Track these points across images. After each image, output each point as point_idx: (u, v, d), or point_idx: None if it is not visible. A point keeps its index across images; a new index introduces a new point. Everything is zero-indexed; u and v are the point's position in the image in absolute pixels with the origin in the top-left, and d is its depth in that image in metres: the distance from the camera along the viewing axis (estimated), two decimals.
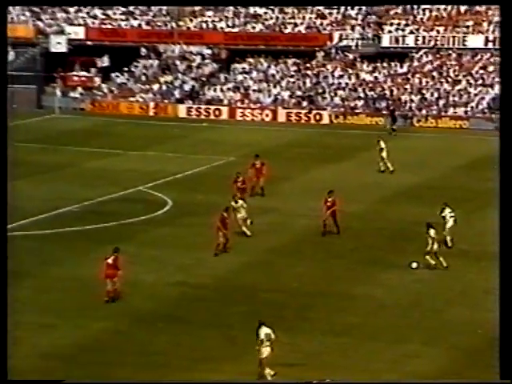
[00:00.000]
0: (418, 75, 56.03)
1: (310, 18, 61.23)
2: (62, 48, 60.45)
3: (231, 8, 62.61)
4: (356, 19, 60.77)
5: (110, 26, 62.75)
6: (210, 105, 56.61)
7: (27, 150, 43.42)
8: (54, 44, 60.58)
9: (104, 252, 25.98)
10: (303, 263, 26.55)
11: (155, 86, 58.55)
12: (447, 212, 27.80)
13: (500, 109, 18.14)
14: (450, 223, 27.66)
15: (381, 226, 30.56)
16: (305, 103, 56.23)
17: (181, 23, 62.45)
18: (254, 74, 58.82)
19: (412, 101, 54.58)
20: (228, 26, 61.90)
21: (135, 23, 62.91)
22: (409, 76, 56.32)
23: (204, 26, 62.25)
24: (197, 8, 63.23)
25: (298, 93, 56.99)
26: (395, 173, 38.58)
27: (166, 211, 32.10)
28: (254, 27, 61.49)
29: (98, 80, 59.21)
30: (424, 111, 53.68)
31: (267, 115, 55.48)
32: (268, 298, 23.50)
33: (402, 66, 57.00)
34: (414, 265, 25.63)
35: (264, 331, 18.79)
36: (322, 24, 60.88)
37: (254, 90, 57.58)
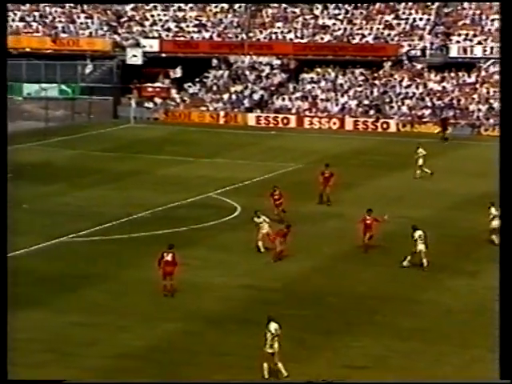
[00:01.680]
0: (485, 85, 55.17)
1: (378, 28, 60.92)
2: (138, 60, 61.43)
3: (300, 19, 62.70)
4: (424, 29, 60.20)
5: (183, 38, 63.48)
6: (279, 113, 56.77)
7: (104, 158, 44.26)
8: (130, 56, 61.61)
9: (177, 256, 26.26)
10: (370, 268, 26.31)
11: (225, 96, 58.97)
12: (493, 211, 27.60)
13: (500, 110, 17.71)
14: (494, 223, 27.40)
15: (448, 233, 30.09)
16: (372, 112, 55.91)
17: (251, 34, 62.79)
18: (322, 83, 58.74)
19: (479, 110, 53.74)
20: (297, 37, 61.98)
21: (207, 35, 63.50)
22: (476, 86, 55.52)
23: (273, 37, 62.46)
24: (266, 20, 63.50)
25: (366, 102, 56.70)
26: (463, 180, 38.00)
27: (235, 217, 32.22)
28: (322, 38, 61.43)
29: (173, 91, 59.92)
30: (491, 120, 52.78)
31: (334, 123, 55.35)
32: (335, 302, 23.36)
33: (469, 76, 56.20)
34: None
35: (274, 326, 18.76)
36: (389, 35, 60.50)
37: (321, 99, 57.50)
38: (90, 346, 20.40)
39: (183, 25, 64.42)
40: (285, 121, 56.12)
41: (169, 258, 23.33)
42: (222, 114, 57.52)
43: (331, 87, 58.33)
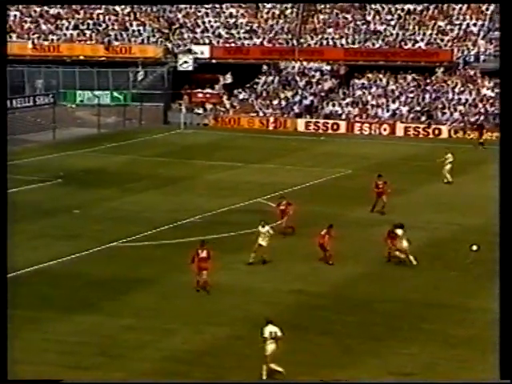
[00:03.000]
0: None
1: (431, 34, 60.54)
2: (189, 66, 62.06)
3: (351, 25, 62.65)
4: (478, 35, 59.64)
5: (233, 45, 63.93)
6: (329, 119, 56.75)
7: (154, 163, 44.79)
8: (181, 63, 62.27)
9: (227, 260, 26.61)
10: (419, 274, 26.21)
11: (275, 102, 59.18)
12: None
13: (500, 110, 17.63)
14: None
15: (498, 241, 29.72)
16: (423, 118, 55.55)
17: (301, 40, 62.95)
18: (373, 89, 58.57)
19: None
20: (348, 43, 61.94)
21: (257, 41, 63.84)
22: None
23: (324, 42, 62.52)
24: (317, 25, 63.58)
25: (417, 108, 56.36)
26: None
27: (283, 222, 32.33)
28: (373, 44, 61.28)
29: (224, 96, 60.34)
30: None
31: (385, 129, 55.12)
32: (383, 308, 23.34)
33: None
34: (475, 247, 26.71)
35: (269, 329, 18.99)
36: (442, 40, 60.07)
37: (372, 105, 57.33)
38: (139, 349, 20.73)
39: (234, 31, 64.88)
40: (334, 126, 56.07)
41: (204, 254, 24.14)
42: (271, 119, 57.72)
43: (382, 93, 58.10)
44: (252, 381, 18.97)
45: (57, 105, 56.73)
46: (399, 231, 26.78)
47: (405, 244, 26.72)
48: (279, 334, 19.07)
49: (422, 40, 60.40)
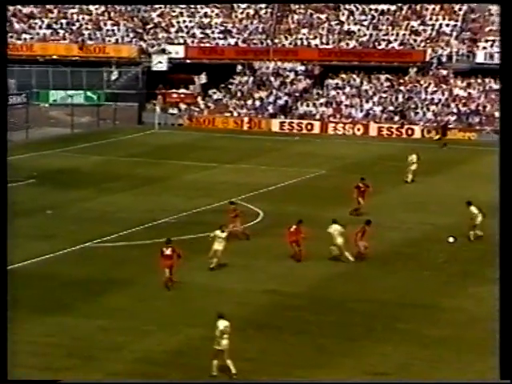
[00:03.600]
0: None
1: (404, 34, 60.82)
2: (163, 66, 61.83)
3: (325, 25, 62.78)
4: (450, 35, 60.02)
5: (208, 45, 63.79)
6: (303, 119, 56.82)
7: (128, 164, 44.57)
8: (156, 63, 62.03)
9: (201, 261, 26.53)
10: (393, 275, 26.29)
11: (250, 102, 59.14)
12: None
13: (500, 110, 17.91)
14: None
15: (473, 239, 29.96)
16: (397, 118, 55.78)
17: (276, 40, 62.95)
18: (347, 89, 58.72)
19: None
20: (322, 43, 62.04)
21: (232, 41, 63.76)
22: None
23: (299, 43, 62.57)
24: (292, 26, 63.63)
25: (390, 108, 56.59)
26: (488, 186, 37.76)
27: (258, 222, 32.33)
28: (347, 44, 61.43)
29: (198, 96, 60.20)
30: None
31: (359, 129, 55.29)
32: (358, 308, 23.37)
33: (495, 82, 55.88)
34: (451, 239, 27.98)
35: (223, 323, 19.11)
36: (415, 40, 60.36)
37: (346, 105, 57.47)
38: (114, 350, 20.59)
39: (208, 31, 64.75)
40: (309, 127, 56.14)
41: (168, 252, 24.50)
42: (246, 119, 57.67)
43: (356, 93, 58.27)
44: (255, 381, 18.84)
45: (30, 104, 56.28)
46: (334, 227, 27.04)
47: (339, 240, 26.92)
48: (229, 329, 19.25)
49: (396, 40, 60.67)
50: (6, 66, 16.85)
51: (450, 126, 53.49)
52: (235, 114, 58.56)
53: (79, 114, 56.68)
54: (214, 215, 33.38)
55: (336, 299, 24.07)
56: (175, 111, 59.72)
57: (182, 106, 59.91)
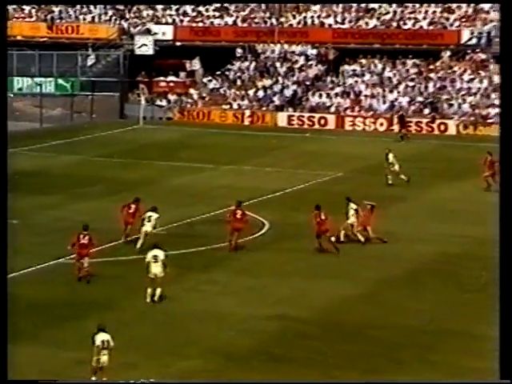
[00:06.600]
0: None
1: (435, 12, 61.04)
2: (148, 50, 62.05)
3: (341, 1, 63.02)
4: (489, 13, 60.20)
5: (201, 25, 64.03)
6: (315, 113, 57.07)
7: (108, 165, 44.75)
8: (139, 46, 62.26)
9: (196, 280, 26.57)
10: (423, 296, 26.32)
11: (251, 92, 59.34)
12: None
13: (500, 110, 18.44)
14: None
15: None
16: (427, 111, 55.96)
17: (282, 20, 63.20)
18: (367, 76, 58.94)
19: None
20: (337, 23, 62.29)
21: (230, 20, 64.02)
22: None
23: (309, 22, 62.80)
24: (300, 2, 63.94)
25: (419, 99, 56.79)
26: None
27: (263, 234, 32.42)
28: (367, 23, 61.66)
29: (191, 86, 60.44)
30: None
31: (381, 124, 55.53)
32: (379, 336, 23.39)
33: None
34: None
35: (101, 338, 19.48)
36: (448, 19, 60.55)
37: (366, 96, 57.67)
38: None
39: (202, 8, 65.03)
40: (322, 121, 56.39)
41: (85, 240, 26.55)
42: (247, 113, 57.92)
43: (378, 81, 58.48)
44: (254, 381, 18.83)
45: None
46: (150, 214, 29.48)
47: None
48: (112, 343, 19.62)
49: (425, 19, 60.90)
50: (6, 66, 17.76)
51: (491, 121, 53.65)
52: (235, 106, 58.79)
53: (49, 106, 56.91)
54: (211, 226, 33.47)
55: (354, 325, 24.13)
56: (163, 103, 59.96)
57: (172, 97, 60.14)
